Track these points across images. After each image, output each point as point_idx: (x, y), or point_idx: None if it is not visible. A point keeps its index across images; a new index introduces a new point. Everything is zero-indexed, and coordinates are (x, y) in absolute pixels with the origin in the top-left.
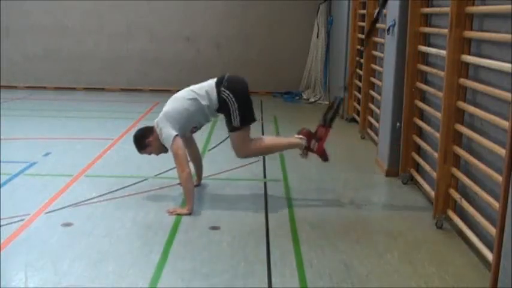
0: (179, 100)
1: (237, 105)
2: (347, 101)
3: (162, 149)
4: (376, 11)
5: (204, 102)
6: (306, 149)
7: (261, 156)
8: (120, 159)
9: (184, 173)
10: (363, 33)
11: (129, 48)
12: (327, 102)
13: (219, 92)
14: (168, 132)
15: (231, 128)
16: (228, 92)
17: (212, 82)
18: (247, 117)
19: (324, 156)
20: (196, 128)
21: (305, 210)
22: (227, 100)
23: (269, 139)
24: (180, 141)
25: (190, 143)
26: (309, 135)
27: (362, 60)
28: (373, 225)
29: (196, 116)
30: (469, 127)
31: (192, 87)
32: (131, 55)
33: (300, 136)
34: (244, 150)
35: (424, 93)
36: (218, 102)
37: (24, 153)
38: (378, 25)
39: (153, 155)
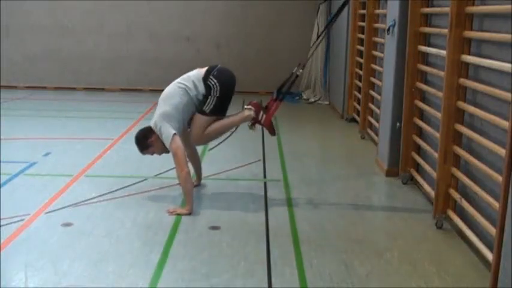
0: (171, 96)
1: (217, 95)
2: (347, 101)
3: (164, 148)
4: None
5: (191, 93)
6: (254, 120)
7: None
8: (120, 159)
9: (183, 173)
10: (363, 33)
11: (129, 48)
12: (327, 102)
13: (206, 79)
14: (167, 131)
15: (200, 111)
16: (215, 80)
17: (200, 70)
18: (218, 109)
19: (270, 129)
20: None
21: (305, 210)
22: (211, 87)
23: (219, 121)
24: (179, 141)
25: (189, 144)
26: (258, 107)
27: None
28: (373, 225)
29: (189, 107)
30: (469, 127)
31: (179, 79)
32: (131, 55)
33: (249, 107)
34: (199, 134)
35: (424, 93)
36: (205, 90)
37: (24, 153)
38: (377, 25)
39: (155, 155)
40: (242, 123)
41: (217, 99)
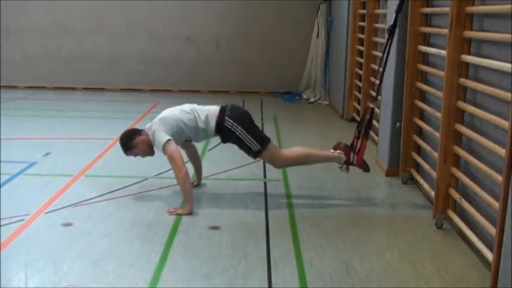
0: (179, 111)
1: (245, 132)
2: (347, 101)
3: (148, 151)
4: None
5: (200, 125)
6: (346, 163)
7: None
8: (120, 159)
9: (181, 174)
10: (363, 33)
11: (129, 48)
12: (327, 102)
13: (222, 121)
14: (160, 137)
15: (255, 154)
16: (231, 121)
17: (215, 109)
18: (258, 138)
19: (364, 167)
20: (187, 141)
21: (305, 210)
22: (232, 129)
23: (305, 149)
24: (173, 144)
25: (188, 144)
26: (347, 149)
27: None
28: (373, 224)
29: (189, 133)
30: (469, 127)
31: (196, 106)
32: (131, 55)
33: (338, 151)
34: (279, 161)
35: (424, 93)
36: (217, 130)
37: (24, 153)
38: (377, 25)
39: (138, 157)
40: (328, 162)
41: (250, 135)
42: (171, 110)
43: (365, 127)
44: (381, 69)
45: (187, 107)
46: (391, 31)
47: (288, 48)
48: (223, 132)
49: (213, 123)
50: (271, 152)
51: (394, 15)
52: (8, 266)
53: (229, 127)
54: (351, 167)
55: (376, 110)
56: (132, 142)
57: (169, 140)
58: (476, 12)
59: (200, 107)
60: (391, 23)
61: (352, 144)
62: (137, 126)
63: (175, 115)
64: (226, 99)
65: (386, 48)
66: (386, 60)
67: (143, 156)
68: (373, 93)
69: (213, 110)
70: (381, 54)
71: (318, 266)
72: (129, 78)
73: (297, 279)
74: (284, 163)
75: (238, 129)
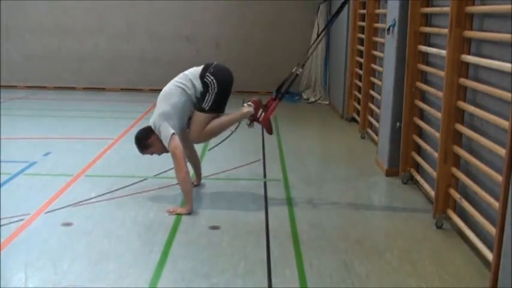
0: (169, 96)
1: (216, 91)
2: (347, 100)
3: (163, 148)
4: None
5: (189, 91)
6: (253, 118)
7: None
8: (120, 159)
9: (182, 173)
10: (363, 33)
11: (129, 48)
12: (327, 102)
13: (203, 77)
14: (166, 131)
15: (199, 108)
16: (212, 77)
17: (197, 69)
18: (217, 106)
19: (268, 127)
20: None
21: (305, 210)
22: (208, 84)
23: (218, 118)
24: (177, 140)
25: (187, 144)
26: (258, 104)
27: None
28: (373, 225)
29: (188, 105)
30: (469, 127)
31: (176, 78)
32: (131, 55)
33: (249, 103)
34: (199, 131)
35: (424, 93)
36: (202, 88)
37: (24, 153)
38: (377, 25)
39: (154, 155)
40: (241, 120)
41: (215, 96)
42: (163, 101)
43: (284, 90)
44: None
45: (170, 86)
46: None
47: (288, 48)
48: (203, 86)
49: (198, 83)
50: (204, 120)
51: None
52: (8, 266)
53: (208, 82)
54: None
55: (377, 110)
56: (148, 141)
57: (173, 134)
58: (476, 12)
59: (180, 75)
60: (392, 23)
61: (266, 104)
62: (137, 126)
63: (169, 103)
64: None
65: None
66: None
67: (159, 154)
68: (376, 95)
69: (195, 70)
70: (381, 54)
71: (318, 266)
72: (129, 78)
73: (297, 279)
74: (200, 137)
75: (213, 84)
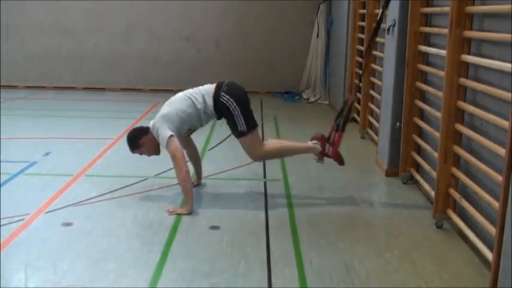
0: (176, 103)
1: (239, 109)
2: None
3: (155, 150)
4: (379, 13)
5: (199, 106)
6: (322, 154)
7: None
8: (120, 159)
9: (182, 173)
10: (363, 33)
11: (129, 48)
12: (327, 102)
13: (217, 96)
14: (164, 133)
15: (238, 134)
16: (227, 96)
17: (210, 86)
18: (251, 120)
19: (339, 160)
20: (190, 131)
21: (305, 210)
22: (227, 104)
23: (282, 142)
24: (176, 142)
25: (188, 143)
26: (323, 140)
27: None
28: (373, 224)
29: (191, 119)
30: (469, 127)
31: (189, 90)
32: (131, 55)
33: (314, 141)
34: (258, 153)
35: (424, 93)
36: (215, 107)
37: (24, 152)
38: None
39: (144, 156)
40: (305, 153)
41: (242, 114)
42: (167, 105)
43: (344, 120)
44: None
45: (181, 94)
46: (377, 24)
47: (288, 48)
48: (219, 107)
49: (210, 101)
50: (253, 140)
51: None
52: (8, 266)
53: (225, 102)
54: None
55: (377, 110)
56: (140, 141)
57: (171, 136)
58: (476, 12)
59: (194, 89)
60: (392, 23)
61: (329, 136)
62: (137, 126)
63: (174, 108)
64: None
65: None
66: (370, 51)
67: (149, 155)
68: (377, 95)
69: (209, 88)
70: (381, 54)
71: (318, 266)
72: (129, 78)
73: (297, 279)
74: (262, 155)
75: (232, 104)
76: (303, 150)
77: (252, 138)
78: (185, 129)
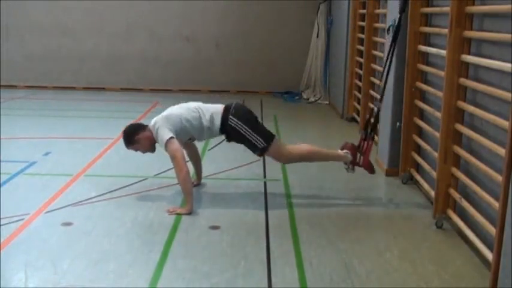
0: (184, 109)
1: (250, 129)
2: (347, 100)
3: (149, 148)
4: (396, 20)
5: (205, 123)
6: (352, 163)
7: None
8: (120, 159)
9: (182, 173)
10: (363, 33)
11: (129, 48)
12: (327, 102)
13: (226, 119)
14: (164, 134)
15: (261, 151)
16: (235, 119)
17: (219, 107)
18: (265, 132)
19: (370, 169)
20: (190, 140)
21: (305, 210)
22: (237, 128)
23: (311, 146)
24: (176, 143)
25: (188, 143)
26: (354, 150)
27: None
28: (373, 224)
29: (194, 131)
30: (469, 127)
31: (201, 104)
32: (131, 55)
33: (345, 150)
34: (285, 157)
35: (424, 93)
36: (222, 127)
37: (24, 152)
38: (377, 25)
39: (144, 156)
40: (335, 160)
41: (254, 132)
42: (176, 108)
43: (371, 128)
44: (380, 72)
45: (192, 105)
46: (395, 32)
47: (288, 48)
48: (228, 131)
49: (218, 122)
50: (277, 148)
51: (398, 16)
52: (8, 266)
53: (234, 126)
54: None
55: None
56: (136, 137)
57: (171, 137)
58: (476, 12)
59: (205, 105)
60: (392, 23)
61: (359, 145)
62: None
63: (180, 113)
64: (226, 99)
65: (390, 50)
66: (390, 62)
67: (143, 152)
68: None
69: (218, 108)
70: (381, 54)
71: (318, 266)
72: (129, 77)
73: (297, 279)
74: (291, 158)
75: (243, 127)
76: (333, 158)
77: (275, 147)
78: (186, 137)
